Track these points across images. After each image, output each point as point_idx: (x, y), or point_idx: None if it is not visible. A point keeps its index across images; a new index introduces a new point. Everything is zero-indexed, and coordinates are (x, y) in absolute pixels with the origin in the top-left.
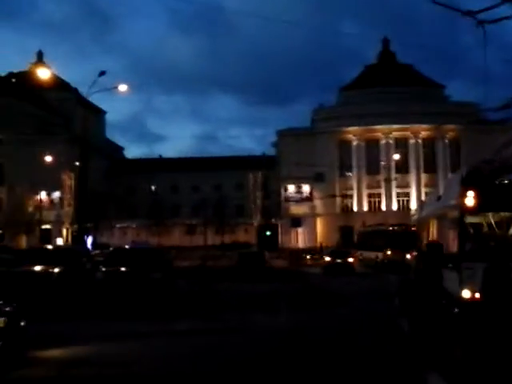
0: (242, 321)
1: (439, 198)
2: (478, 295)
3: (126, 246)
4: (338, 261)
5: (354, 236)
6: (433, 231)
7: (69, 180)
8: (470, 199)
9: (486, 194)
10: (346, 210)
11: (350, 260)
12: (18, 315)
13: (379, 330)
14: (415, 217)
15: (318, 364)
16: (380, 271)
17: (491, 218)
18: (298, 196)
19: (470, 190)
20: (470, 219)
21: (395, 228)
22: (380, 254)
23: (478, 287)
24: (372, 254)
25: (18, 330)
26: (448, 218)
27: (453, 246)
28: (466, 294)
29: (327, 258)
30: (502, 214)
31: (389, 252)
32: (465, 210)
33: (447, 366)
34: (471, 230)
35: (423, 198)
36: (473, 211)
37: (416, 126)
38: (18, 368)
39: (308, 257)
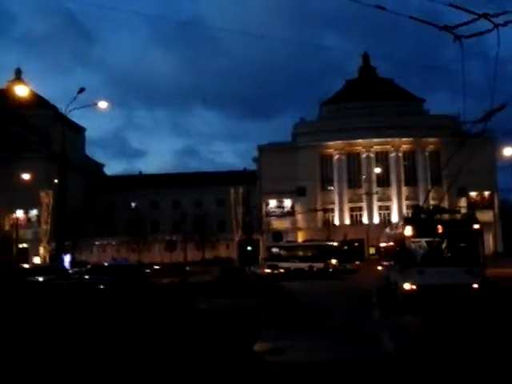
0: None
1: (395, 227)
2: (414, 287)
3: (105, 264)
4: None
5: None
6: (392, 249)
7: (47, 198)
8: (407, 230)
9: (416, 228)
10: (328, 223)
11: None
12: None
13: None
14: (384, 239)
15: None
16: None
17: (422, 241)
18: (280, 210)
19: (407, 225)
20: (410, 242)
21: (304, 243)
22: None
23: (415, 282)
24: (285, 265)
25: None
26: (398, 239)
27: (401, 258)
28: (407, 286)
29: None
30: (427, 239)
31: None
32: (405, 237)
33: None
34: (412, 247)
35: (404, 210)
36: (410, 237)
37: (396, 140)
38: None
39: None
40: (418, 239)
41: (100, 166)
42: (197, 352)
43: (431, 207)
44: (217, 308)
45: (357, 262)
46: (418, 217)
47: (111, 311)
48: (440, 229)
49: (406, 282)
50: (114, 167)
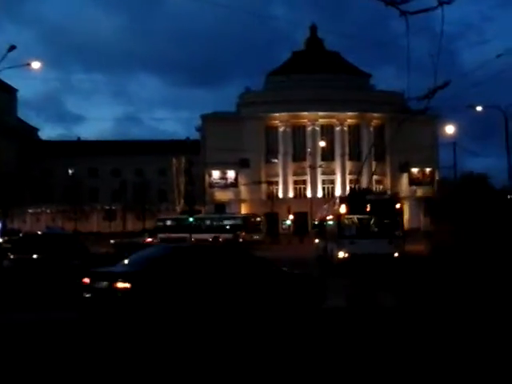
0: None
1: (332, 205)
2: (347, 255)
3: (39, 232)
4: None
5: (279, 223)
6: (328, 223)
7: None
8: (342, 208)
9: (349, 206)
10: (272, 196)
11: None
12: None
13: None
14: (319, 215)
15: None
16: None
17: (354, 217)
18: (223, 182)
19: (342, 204)
20: (344, 218)
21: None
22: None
23: (347, 251)
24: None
25: None
26: (334, 215)
27: (337, 231)
28: (341, 254)
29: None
30: (358, 215)
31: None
32: (340, 213)
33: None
34: (345, 222)
35: (347, 185)
36: (344, 214)
37: (342, 114)
38: None
39: None
40: (350, 216)
41: (34, 130)
42: (282, 309)
43: (362, 188)
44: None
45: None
46: (351, 197)
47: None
48: (368, 207)
49: (340, 251)
50: (49, 132)
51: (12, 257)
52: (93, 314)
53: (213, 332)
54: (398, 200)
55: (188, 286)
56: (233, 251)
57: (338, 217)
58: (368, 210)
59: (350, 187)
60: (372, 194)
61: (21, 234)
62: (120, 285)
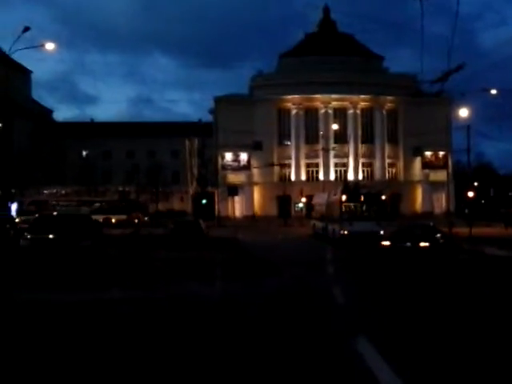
0: (177, 289)
1: (333, 195)
2: (346, 232)
3: (54, 213)
4: None
5: (292, 205)
6: (331, 208)
7: None
8: (344, 197)
9: (349, 196)
10: (284, 179)
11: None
12: None
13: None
14: (323, 200)
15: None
16: None
17: (352, 204)
18: (236, 164)
19: (344, 194)
20: (344, 204)
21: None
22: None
23: (348, 230)
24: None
25: None
26: (336, 203)
27: (337, 214)
28: (342, 232)
29: None
30: (355, 203)
31: None
32: (341, 201)
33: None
34: (345, 208)
35: (360, 168)
36: (344, 201)
37: (355, 97)
38: None
39: None
40: (348, 203)
41: (48, 111)
42: None
43: (355, 183)
44: None
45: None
46: (349, 189)
47: None
48: (362, 198)
49: (341, 229)
50: (63, 113)
51: (29, 236)
52: None
53: None
54: (383, 193)
55: None
56: None
57: (340, 203)
58: (362, 199)
59: (346, 182)
60: (365, 188)
61: (36, 215)
62: None
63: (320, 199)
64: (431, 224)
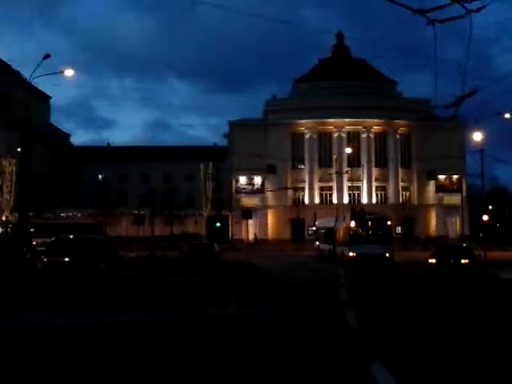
0: (192, 312)
1: (343, 220)
2: (354, 254)
3: (71, 236)
4: None
5: (305, 229)
6: (340, 232)
7: (9, 167)
8: (352, 223)
9: (357, 221)
10: (298, 202)
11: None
12: None
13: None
14: (334, 225)
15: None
16: None
17: (359, 229)
18: (250, 188)
19: (353, 220)
20: (353, 229)
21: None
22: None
23: (355, 252)
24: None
25: None
26: (345, 228)
27: (346, 238)
28: (350, 253)
29: None
30: (362, 228)
31: None
32: (350, 227)
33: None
34: (353, 232)
35: (374, 191)
36: (353, 227)
37: (368, 121)
38: None
39: None
40: (356, 228)
41: (66, 135)
42: None
43: (362, 210)
44: None
45: None
46: (357, 215)
47: None
48: (369, 223)
49: (350, 251)
50: (80, 137)
51: (46, 260)
52: None
53: None
54: (388, 219)
55: None
56: None
57: (349, 229)
58: (369, 225)
59: (353, 208)
60: (371, 214)
61: (53, 238)
62: None
63: (323, 223)
64: (464, 245)
